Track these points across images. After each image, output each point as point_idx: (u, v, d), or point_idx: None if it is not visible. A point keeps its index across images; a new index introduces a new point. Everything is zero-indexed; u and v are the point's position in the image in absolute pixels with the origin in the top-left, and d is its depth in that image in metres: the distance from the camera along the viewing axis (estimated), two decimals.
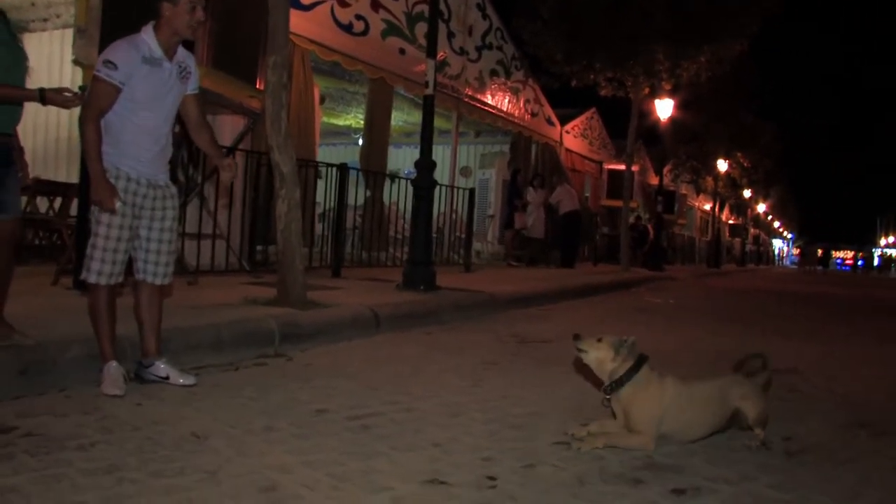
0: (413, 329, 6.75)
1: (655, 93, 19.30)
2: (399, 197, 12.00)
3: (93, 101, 3.75)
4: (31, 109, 4.45)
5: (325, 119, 16.35)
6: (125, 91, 3.79)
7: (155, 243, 4.08)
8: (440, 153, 20.09)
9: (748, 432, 3.60)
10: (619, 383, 3.40)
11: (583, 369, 4.06)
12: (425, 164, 8.46)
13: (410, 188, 11.13)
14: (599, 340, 3.51)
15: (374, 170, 12.57)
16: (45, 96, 3.81)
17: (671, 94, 19.56)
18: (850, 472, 3.29)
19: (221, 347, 4.87)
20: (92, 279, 3.85)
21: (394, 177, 12.56)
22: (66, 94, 3.96)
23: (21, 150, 4.14)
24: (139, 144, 3.92)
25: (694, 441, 3.48)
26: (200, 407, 3.65)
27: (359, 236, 12.32)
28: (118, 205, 3.77)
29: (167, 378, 4.03)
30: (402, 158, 20.28)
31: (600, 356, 3.48)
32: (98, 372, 3.87)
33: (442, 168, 12.96)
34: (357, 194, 12.30)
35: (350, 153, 20.15)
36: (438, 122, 17.97)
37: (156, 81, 3.90)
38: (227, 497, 2.52)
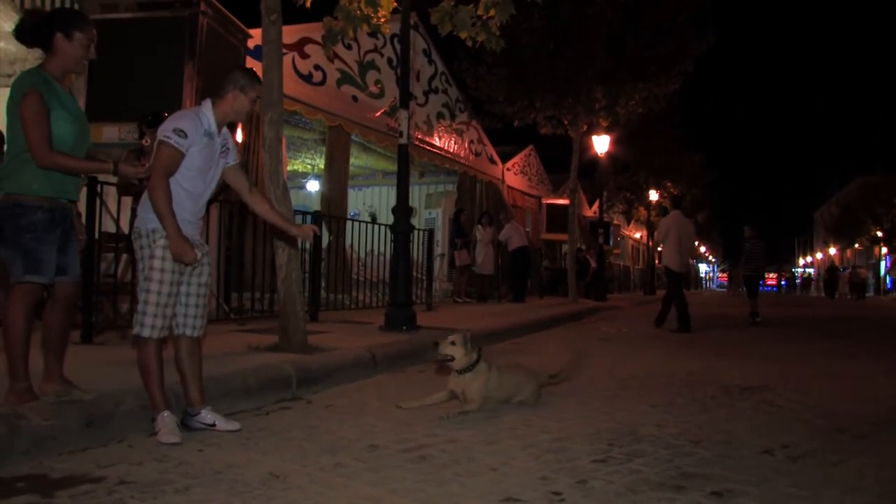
0: (406, 368, 7.10)
1: (593, 129, 20.07)
2: (356, 240, 12.22)
3: (162, 165, 4.05)
4: None
5: None
6: (185, 159, 4.11)
7: (194, 297, 4.36)
8: (386, 194, 20.56)
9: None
10: (468, 370, 5.03)
11: (443, 367, 5.38)
12: (402, 210, 8.82)
13: (363, 230, 11.49)
14: (453, 343, 5.08)
15: (335, 214, 12.88)
16: (118, 168, 4.09)
17: (607, 130, 20.36)
18: (847, 471, 3.81)
19: (249, 393, 5.15)
20: (146, 333, 4.11)
21: (359, 221, 12.85)
22: (138, 164, 4.25)
23: (79, 214, 4.40)
24: (185, 208, 4.23)
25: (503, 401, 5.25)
26: (260, 450, 3.93)
27: (325, 280, 12.57)
28: (198, 255, 4.09)
29: (214, 425, 4.30)
30: (349, 200, 20.58)
31: (459, 352, 5.05)
32: (151, 422, 4.12)
33: (388, 209, 13.14)
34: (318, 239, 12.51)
35: (295, 197, 20.25)
36: (385, 164, 18.47)
37: (208, 153, 4.26)
38: None
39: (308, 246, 10.04)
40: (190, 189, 4.22)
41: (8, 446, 3.53)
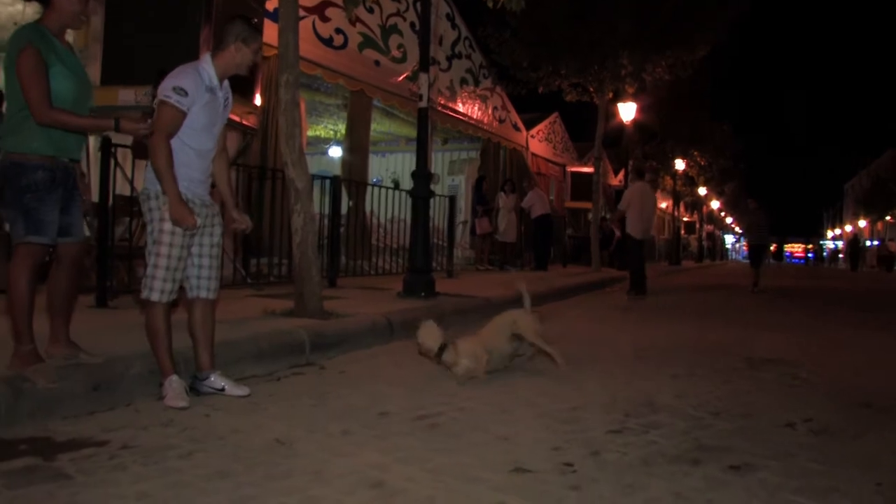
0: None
1: (619, 96, 19.79)
2: (377, 206, 12.17)
3: (163, 125, 3.93)
4: None
5: None
6: (186, 117, 4.00)
7: (207, 259, 4.27)
8: (409, 161, 20.41)
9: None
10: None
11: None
12: (422, 175, 8.71)
13: (385, 196, 11.42)
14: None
15: (356, 179, 12.78)
16: (119, 124, 3.99)
17: (633, 97, 20.07)
18: (867, 445, 3.71)
19: (261, 358, 5.09)
20: (155, 297, 4.03)
21: (379, 186, 12.76)
22: (140, 121, 4.12)
23: (83, 174, 4.32)
24: (193, 167, 4.13)
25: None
26: (268, 415, 3.87)
27: (345, 246, 12.50)
28: (198, 221, 3.99)
29: (223, 389, 4.24)
30: (370, 166, 20.48)
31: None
32: (159, 386, 4.07)
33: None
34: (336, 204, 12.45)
35: (318, 163, 20.31)
36: (408, 130, 18.31)
37: (211, 109, 4.13)
38: (342, 494, 2.76)
39: (327, 211, 9.97)
40: (197, 147, 4.12)
41: (12, 409, 3.49)
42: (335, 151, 20.31)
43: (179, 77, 4.01)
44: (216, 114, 4.19)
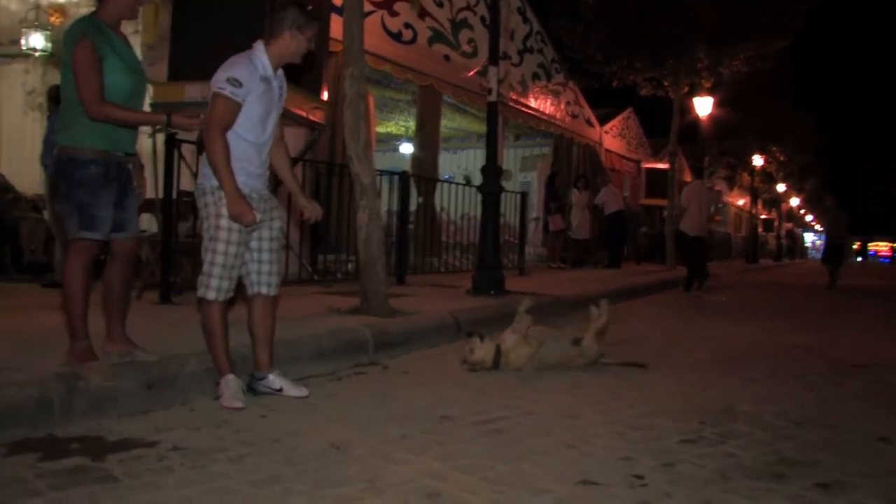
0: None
1: (695, 90, 19.30)
2: (446, 202, 12.06)
3: (218, 118, 3.80)
4: None
5: None
6: (242, 108, 3.88)
7: (266, 253, 4.14)
8: (481, 157, 20.21)
9: None
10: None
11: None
12: (492, 170, 8.53)
13: (455, 193, 11.28)
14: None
15: (426, 175, 12.66)
16: (171, 120, 3.91)
17: (710, 91, 19.55)
18: None
19: (322, 357, 4.97)
20: (211, 296, 3.92)
21: (450, 182, 12.64)
22: (193, 116, 4.04)
23: (142, 166, 4.26)
24: (250, 160, 4.00)
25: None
26: (326, 418, 3.73)
27: (414, 243, 12.40)
28: (258, 216, 3.87)
29: (280, 390, 4.11)
30: (442, 163, 20.35)
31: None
32: (215, 385, 3.97)
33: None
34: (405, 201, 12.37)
35: (389, 160, 20.31)
36: (480, 127, 18.09)
37: (267, 99, 3.99)
38: None
39: (396, 208, 9.86)
40: (253, 140, 3.99)
41: (67, 407, 3.42)
42: (406, 148, 20.25)
43: (233, 67, 3.87)
44: (271, 104, 4.06)
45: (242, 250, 4.00)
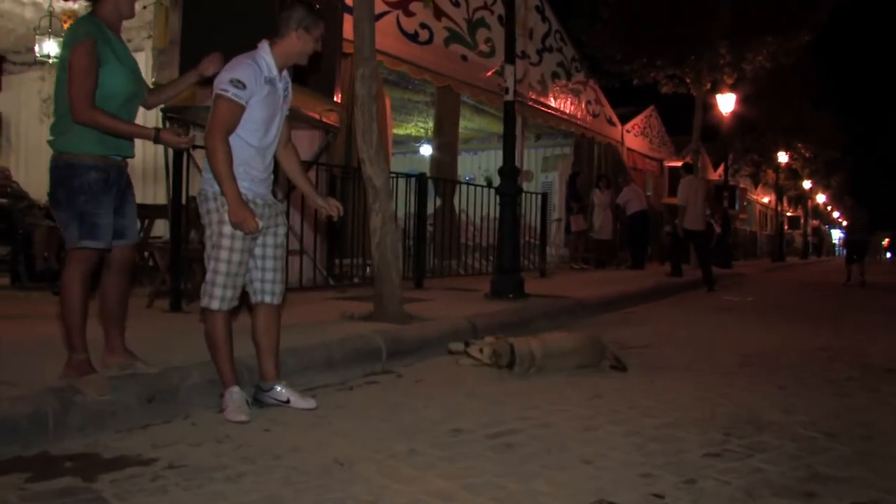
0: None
1: (717, 87, 19.03)
2: (466, 204, 11.91)
3: (220, 121, 3.66)
4: None
5: None
6: (245, 111, 3.74)
7: (270, 261, 4.01)
8: (501, 158, 20.04)
9: None
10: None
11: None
12: (509, 171, 8.36)
13: (475, 194, 11.11)
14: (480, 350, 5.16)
15: (444, 177, 12.50)
16: (159, 136, 3.79)
17: (733, 88, 19.27)
18: None
19: (333, 366, 4.82)
20: (215, 305, 3.78)
21: (469, 184, 12.46)
22: (180, 134, 3.94)
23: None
24: (254, 165, 3.86)
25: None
26: (333, 431, 3.59)
27: (432, 246, 12.24)
28: (261, 224, 3.73)
29: (288, 402, 3.97)
30: (462, 164, 20.21)
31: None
32: (219, 398, 3.83)
33: None
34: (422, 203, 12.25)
35: (409, 162, 20.17)
36: (499, 127, 17.86)
37: (271, 102, 3.84)
38: None
39: (412, 210, 9.72)
40: (256, 144, 3.85)
41: (61, 422, 3.29)
42: (426, 150, 20.11)
43: (236, 69, 3.72)
44: (276, 106, 3.91)
45: (247, 258, 3.86)
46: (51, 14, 9.88)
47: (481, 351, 5.16)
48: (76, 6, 9.91)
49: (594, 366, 5.31)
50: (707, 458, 3.24)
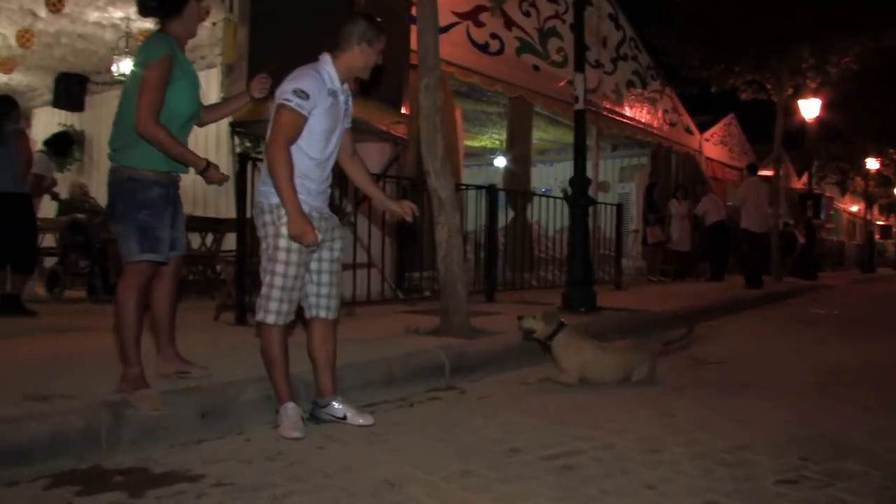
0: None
1: (799, 92, 18.46)
2: (540, 216, 11.77)
3: (282, 131, 3.62)
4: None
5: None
6: (307, 122, 3.69)
7: (326, 275, 3.95)
8: None
9: None
10: (549, 339, 5.10)
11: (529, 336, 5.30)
12: (581, 182, 8.20)
13: (549, 205, 10.95)
14: (534, 318, 5.14)
15: (518, 189, 12.37)
16: (208, 169, 3.87)
17: (816, 92, 18.66)
18: None
19: (393, 382, 4.74)
20: (270, 320, 3.73)
21: (543, 196, 12.33)
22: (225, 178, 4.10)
23: None
24: (311, 178, 3.81)
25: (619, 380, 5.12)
26: (388, 449, 3.50)
27: (504, 258, 12.11)
28: (319, 237, 3.68)
29: (344, 418, 3.90)
30: (538, 176, 20.04)
31: (539, 326, 5.11)
32: (274, 413, 3.78)
33: None
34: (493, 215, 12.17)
35: (484, 174, 20.09)
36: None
37: (333, 114, 3.80)
38: None
39: (484, 222, 9.61)
40: (316, 156, 3.79)
41: (114, 436, 3.29)
42: (501, 161, 20.01)
43: (300, 79, 3.68)
44: (337, 119, 3.86)
45: (303, 272, 3.80)
46: (128, 35, 10.13)
47: (534, 318, 5.18)
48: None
49: (646, 361, 5.28)
50: (781, 484, 3.03)
